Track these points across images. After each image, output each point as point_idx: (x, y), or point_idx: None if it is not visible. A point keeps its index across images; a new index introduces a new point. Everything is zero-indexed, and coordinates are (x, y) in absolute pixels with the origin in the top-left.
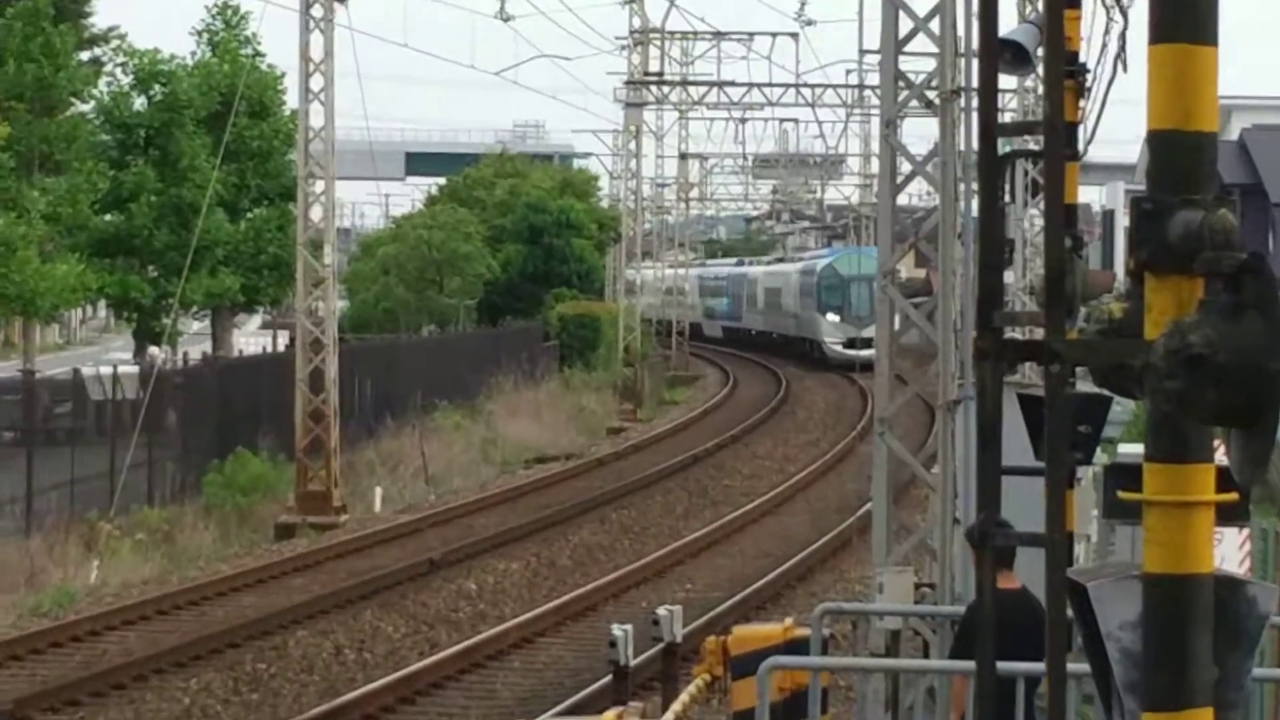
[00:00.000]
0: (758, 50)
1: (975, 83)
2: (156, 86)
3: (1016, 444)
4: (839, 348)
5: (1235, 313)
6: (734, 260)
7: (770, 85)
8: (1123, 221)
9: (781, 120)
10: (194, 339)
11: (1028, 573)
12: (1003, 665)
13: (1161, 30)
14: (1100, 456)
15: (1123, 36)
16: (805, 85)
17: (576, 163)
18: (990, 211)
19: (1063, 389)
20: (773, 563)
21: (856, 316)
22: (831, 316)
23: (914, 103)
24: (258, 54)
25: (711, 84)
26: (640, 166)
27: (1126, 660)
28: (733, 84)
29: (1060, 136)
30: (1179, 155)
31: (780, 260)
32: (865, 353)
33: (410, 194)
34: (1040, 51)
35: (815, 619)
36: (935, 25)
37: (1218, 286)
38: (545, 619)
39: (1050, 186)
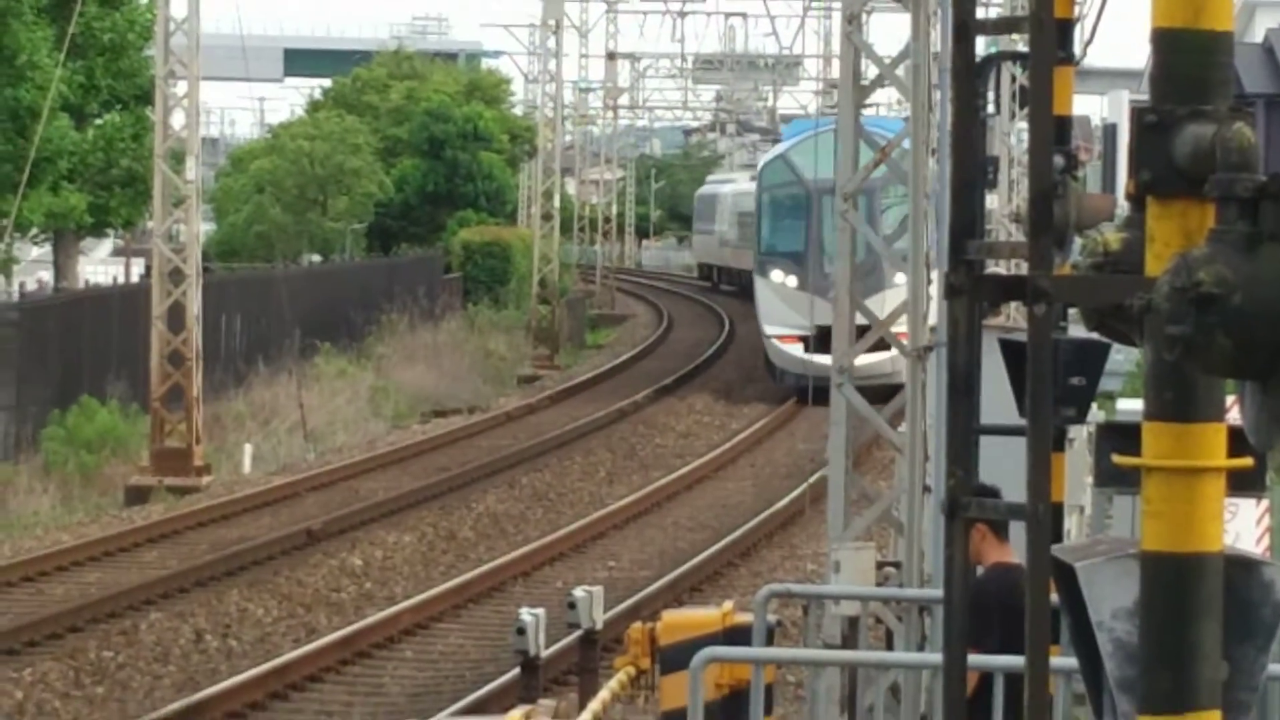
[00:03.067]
0: None
1: None
2: None
3: (999, 398)
4: (791, 349)
5: (1252, 245)
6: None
7: None
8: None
9: (727, 15)
10: (32, 267)
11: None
12: (977, 658)
13: None
14: (1097, 414)
15: None
16: None
17: (485, 63)
18: (966, 123)
19: (1048, 332)
20: (711, 536)
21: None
22: (777, 275)
23: None
24: None
25: None
26: (560, 68)
27: (1120, 654)
28: None
29: (1048, 35)
30: (1187, 58)
31: None
32: (864, 360)
33: (289, 98)
34: None
35: (759, 603)
36: None
37: (1232, 214)
38: (442, 601)
39: (1036, 94)
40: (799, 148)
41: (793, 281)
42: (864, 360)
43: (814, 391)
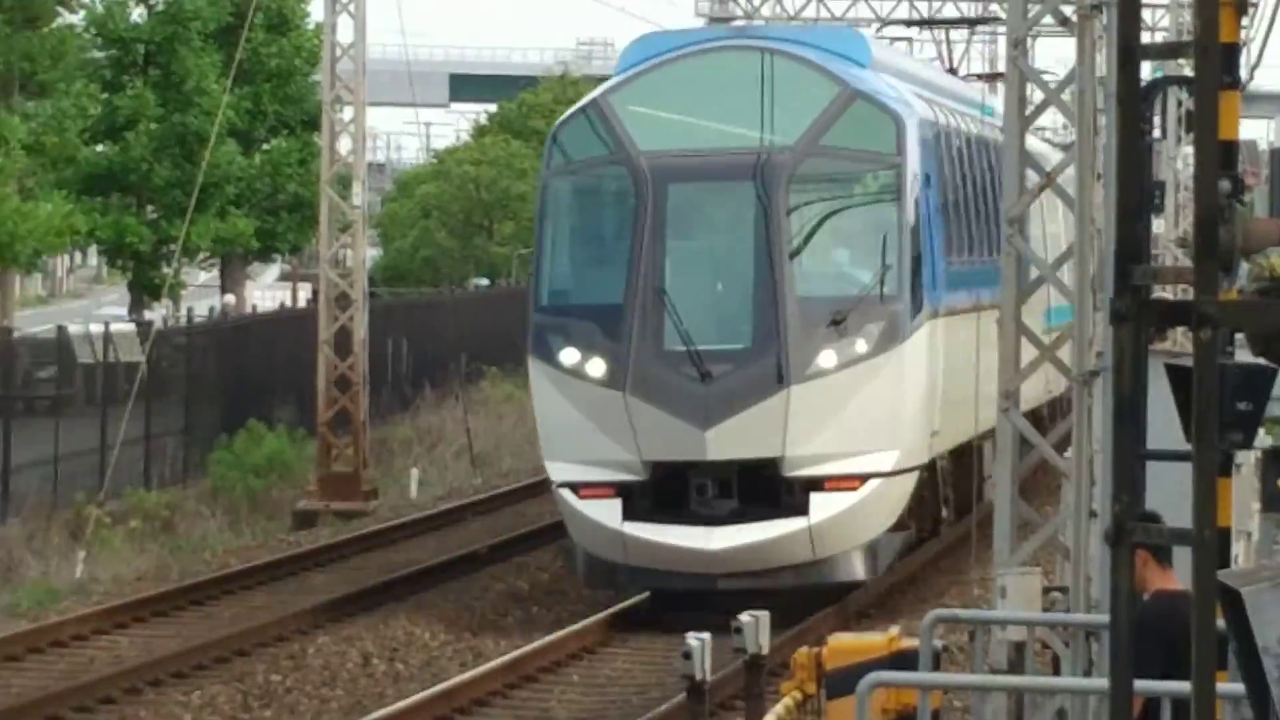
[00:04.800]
0: None
1: None
2: None
3: (1167, 424)
4: (598, 510)
5: None
6: None
7: None
8: None
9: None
10: (200, 292)
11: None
12: (1143, 684)
13: None
14: (1264, 439)
15: None
16: None
17: None
18: (1130, 148)
19: (1214, 357)
20: None
21: (684, 360)
22: (569, 356)
23: (1047, 19)
24: None
25: None
26: None
27: None
28: None
29: (1214, 60)
30: None
31: None
32: (742, 538)
33: (455, 123)
34: None
35: (925, 628)
36: None
37: None
38: (609, 625)
39: (1202, 119)
40: (627, 90)
41: (599, 369)
42: (742, 537)
43: (657, 601)
